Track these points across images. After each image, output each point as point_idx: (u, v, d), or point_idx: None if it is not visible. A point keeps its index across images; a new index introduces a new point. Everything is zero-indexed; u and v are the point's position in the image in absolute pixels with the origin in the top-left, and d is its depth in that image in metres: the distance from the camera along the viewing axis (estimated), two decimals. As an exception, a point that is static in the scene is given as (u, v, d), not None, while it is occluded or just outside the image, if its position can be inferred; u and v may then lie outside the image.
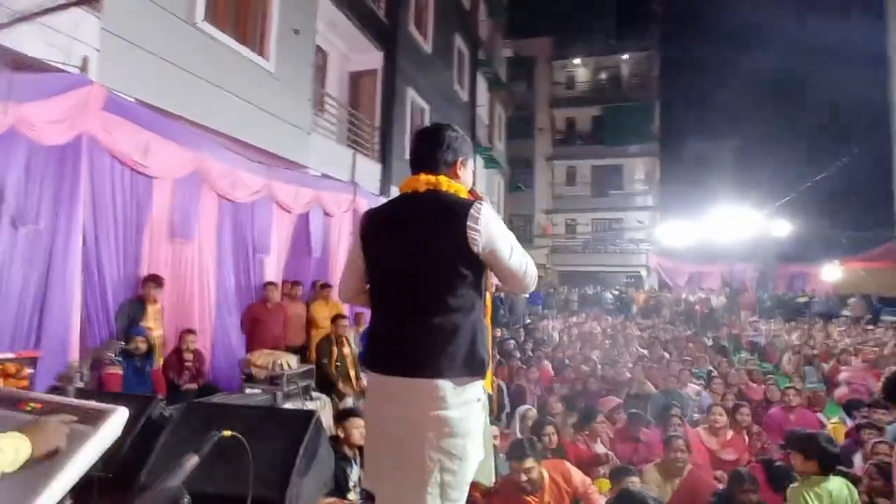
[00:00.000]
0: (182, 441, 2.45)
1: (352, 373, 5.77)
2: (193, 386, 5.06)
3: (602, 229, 26.18)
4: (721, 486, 3.74)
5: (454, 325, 1.68)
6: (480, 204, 1.72)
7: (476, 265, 1.71)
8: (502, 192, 20.86)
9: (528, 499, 2.96)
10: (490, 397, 1.95)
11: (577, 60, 25.89)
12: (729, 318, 17.62)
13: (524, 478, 2.94)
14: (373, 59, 9.80)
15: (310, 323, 6.74)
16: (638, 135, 24.34)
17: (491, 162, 17.65)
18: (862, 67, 18.15)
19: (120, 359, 4.33)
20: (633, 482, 3.53)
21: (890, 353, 9.90)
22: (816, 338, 12.78)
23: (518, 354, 8.79)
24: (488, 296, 1.92)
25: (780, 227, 20.59)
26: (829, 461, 3.07)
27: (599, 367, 8.29)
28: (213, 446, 1.90)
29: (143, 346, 4.75)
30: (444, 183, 1.78)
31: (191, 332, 5.21)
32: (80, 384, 2.05)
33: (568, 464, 3.29)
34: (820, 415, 5.73)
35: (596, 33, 24.32)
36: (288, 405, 4.78)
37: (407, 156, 9.41)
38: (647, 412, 6.11)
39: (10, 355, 2.62)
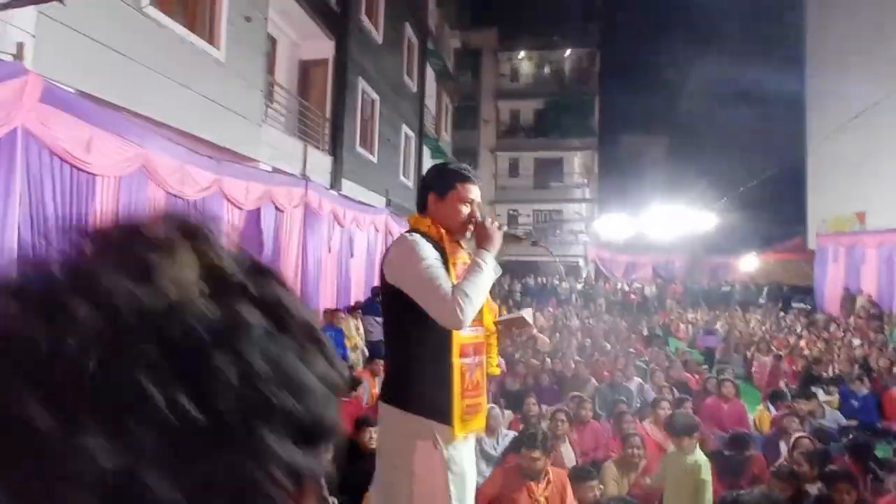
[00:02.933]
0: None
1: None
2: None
3: (542, 220, 26.89)
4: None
5: (392, 354, 1.79)
6: (402, 236, 1.76)
7: (400, 296, 1.68)
8: (448, 182, 20.94)
9: (529, 483, 3.13)
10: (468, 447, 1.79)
11: (521, 53, 26.23)
12: (660, 307, 18.70)
13: (528, 465, 3.11)
14: (324, 47, 9.52)
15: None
16: (578, 129, 25.07)
17: (438, 153, 17.66)
18: (781, 85, 19.79)
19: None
20: (592, 486, 3.71)
21: (800, 343, 10.89)
22: (738, 326, 13.84)
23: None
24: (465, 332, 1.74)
25: (707, 221, 21.96)
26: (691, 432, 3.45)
27: (549, 361, 8.60)
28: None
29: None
30: (412, 220, 1.90)
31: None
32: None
33: (566, 477, 3.44)
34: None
35: (540, 27, 24.74)
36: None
37: (359, 147, 9.29)
38: (594, 406, 6.45)
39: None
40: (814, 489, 3.94)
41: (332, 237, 9.32)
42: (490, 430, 4.65)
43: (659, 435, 5.27)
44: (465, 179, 1.88)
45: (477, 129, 25.09)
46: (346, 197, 9.87)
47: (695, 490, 3.14)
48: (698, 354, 10.94)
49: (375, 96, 11.45)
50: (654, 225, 21.71)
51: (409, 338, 1.72)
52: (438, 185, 1.88)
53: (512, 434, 4.73)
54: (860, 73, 14.59)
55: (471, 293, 1.62)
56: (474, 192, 1.88)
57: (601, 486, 3.89)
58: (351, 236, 10.08)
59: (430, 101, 16.41)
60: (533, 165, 26.54)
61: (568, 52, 25.61)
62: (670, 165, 26.33)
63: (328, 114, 9.55)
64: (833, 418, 5.83)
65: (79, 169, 4.49)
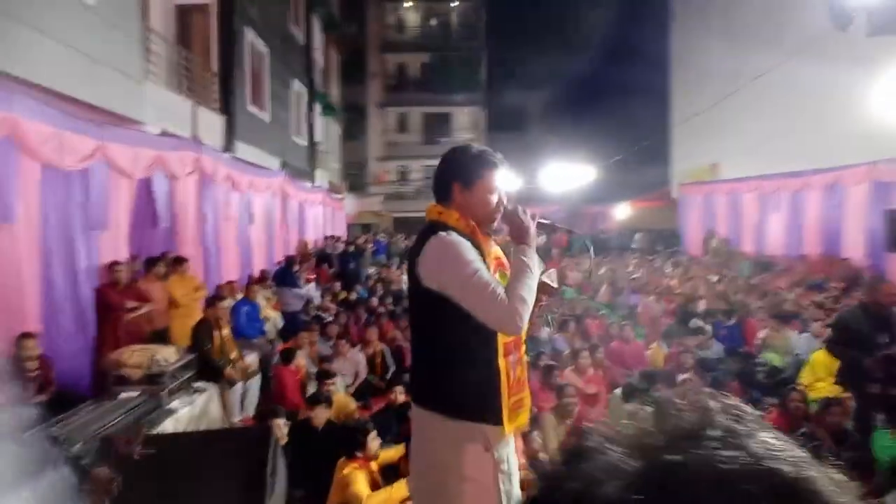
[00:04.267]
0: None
1: (233, 355, 5.38)
2: (42, 398, 4.25)
3: (433, 176, 27.07)
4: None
5: (431, 360, 1.68)
6: (438, 235, 1.63)
7: (440, 299, 1.59)
8: (339, 140, 20.17)
9: None
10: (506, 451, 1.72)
11: (407, 3, 25.48)
12: (547, 257, 19.95)
13: None
14: (203, -9, 8.50)
15: (168, 303, 6.02)
16: (465, 84, 25.23)
17: (328, 110, 16.86)
18: (650, 52, 21.49)
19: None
20: (535, 437, 4.02)
21: (672, 283, 12.31)
22: (618, 270, 15.25)
23: (382, 310, 8.94)
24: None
25: (588, 174, 23.56)
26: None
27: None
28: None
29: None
30: (434, 212, 1.77)
31: (29, 336, 4.30)
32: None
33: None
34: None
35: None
36: (175, 403, 4.36)
37: (250, 105, 8.69)
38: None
39: None
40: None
41: (230, 204, 8.67)
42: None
43: (579, 381, 5.76)
44: (493, 166, 1.76)
45: (364, 83, 24.24)
46: (241, 160, 9.17)
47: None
48: (584, 297, 11.85)
49: (265, 49, 10.54)
50: (542, 179, 22.87)
51: (454, 343, 1.63)
52: (464, 174, 1.74)
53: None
54: (718, 36, 16.16)
55: (527, 297, 1.56)
56: (500, 178, 1.78)
57: (542, 436, 4.22)
58: (249, 202, 9.44)
59: (318, 54, 15.49)
60: (421, 121, 26.40)
61: (455, 3, 25.36)
62: (556, 120, 27.57)
63: (215, 68, 8.63)
64: (716, 350, 6.74)
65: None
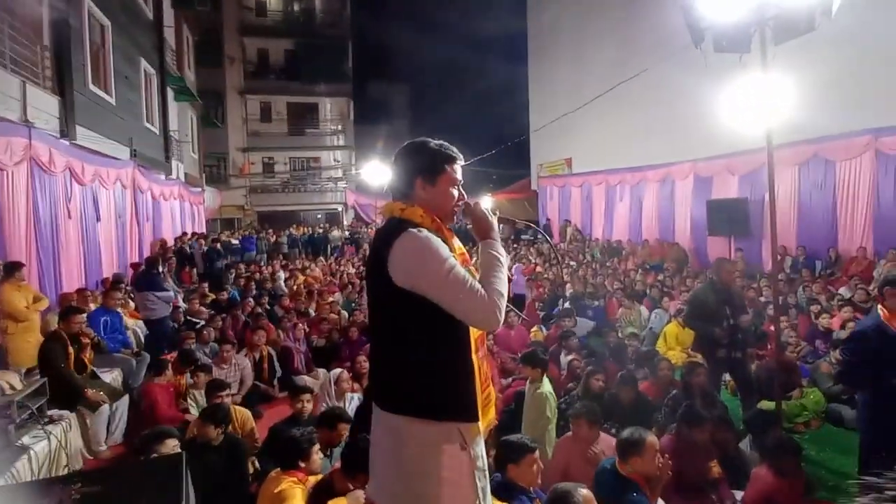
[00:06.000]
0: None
1: (89, 371, 4.69)
2: None
3: (300, 168, 26.01)
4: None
5: (404, 362, 1.61)
6: (409, 232, 1.56)
7: (413, 298, 1.53)
8: (196, 127, 18.42)
9: None
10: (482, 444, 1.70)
11: (267, -15, 24.04)
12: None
13: None
14: (27, -51, 7.16)
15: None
16: (331, 73, 24.50)
17: (183, 94, 15.30)
18: (511, 51, 22.74)
19: None
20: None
21: (537, 269, 13.24)
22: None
23: (260, 311, 8.40)
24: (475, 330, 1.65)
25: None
26: (544, 366, 4.12)
27: (345, 314, 8.66)
28: None
29: None
30: (396, 209, 1.68)
31: None
32: None
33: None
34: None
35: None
36: (27, 438, 3.70)
37: (92, 85, 7.73)
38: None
39: None
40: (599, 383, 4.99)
41: (72, 199, 7.52)
42: (340, 393, 4.61)
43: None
44: (454, 160, 1.72)
45: (222, 67, 22.40)
46: (83, 148, 7.98)
47: (539, 416, 3.70)
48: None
49: (106, 21, 9.20)
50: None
51: (429, 343, 1.57)
52: (427, 168, 1.67)
53: (357, 397, 4.75)
54: (570, 41, 17.56)
55: (504, 291, 1.56)
56: (460, 172, 1.73)
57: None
58: (95, 196, 8.27)
59: (169, 33, 13.96)
60: (286, 110, 25.16)
61: (318, -11, 24.49)
62: (421, 112, 27.97)
63: (47, 41, 7.33)
64: (584, 326, 7.41)
65: None
